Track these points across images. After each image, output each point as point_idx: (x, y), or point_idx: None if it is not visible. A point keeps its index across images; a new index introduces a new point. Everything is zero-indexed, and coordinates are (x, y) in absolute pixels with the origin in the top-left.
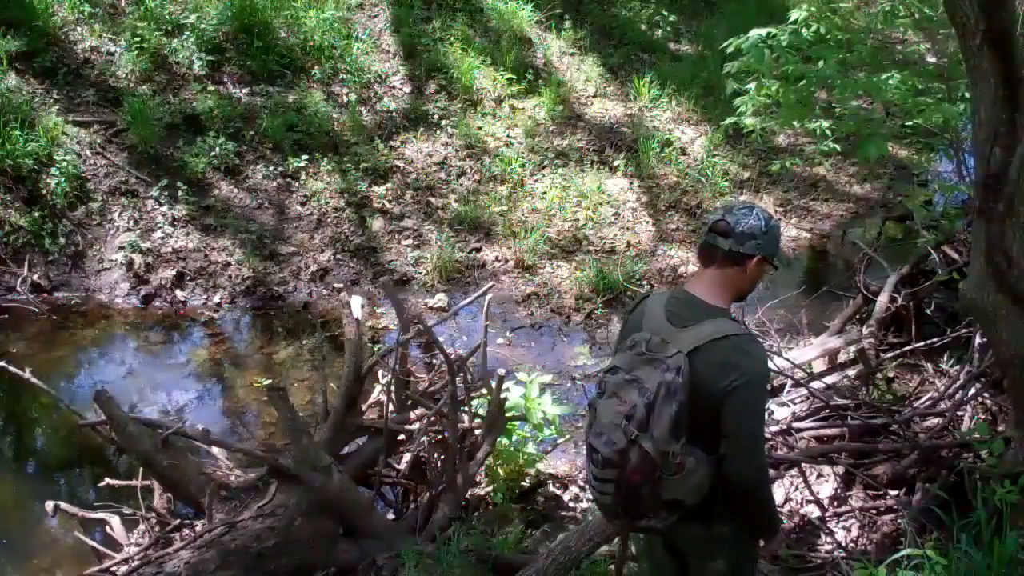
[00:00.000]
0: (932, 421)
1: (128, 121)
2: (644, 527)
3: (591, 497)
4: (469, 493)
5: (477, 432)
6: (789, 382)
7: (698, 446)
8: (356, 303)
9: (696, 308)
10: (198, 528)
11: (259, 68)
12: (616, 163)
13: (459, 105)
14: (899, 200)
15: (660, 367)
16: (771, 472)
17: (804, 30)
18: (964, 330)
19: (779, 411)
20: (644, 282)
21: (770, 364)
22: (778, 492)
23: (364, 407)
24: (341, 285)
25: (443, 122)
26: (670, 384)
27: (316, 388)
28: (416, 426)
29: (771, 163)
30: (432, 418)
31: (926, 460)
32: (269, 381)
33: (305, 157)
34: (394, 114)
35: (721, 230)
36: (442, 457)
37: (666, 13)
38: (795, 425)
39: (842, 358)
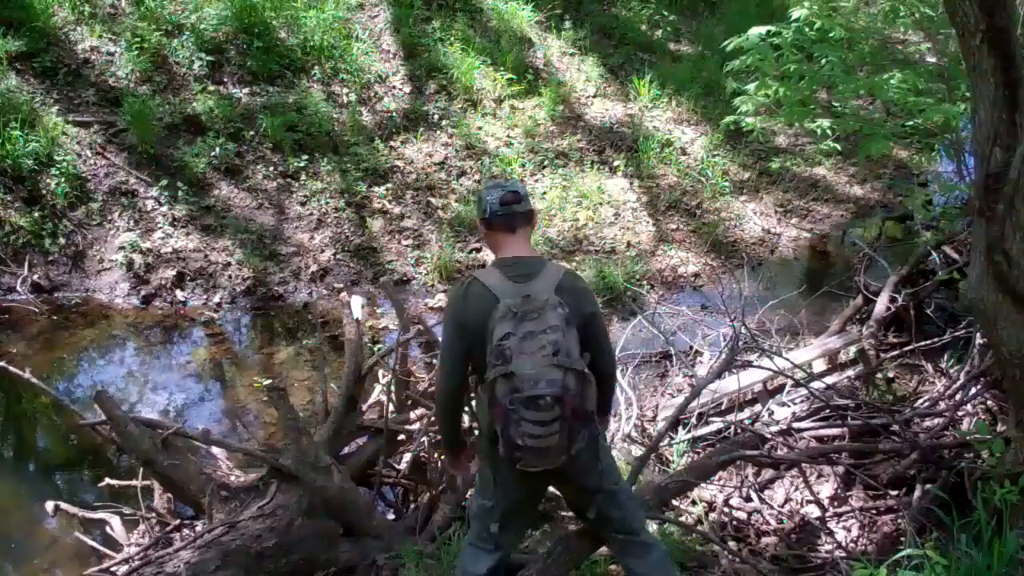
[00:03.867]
0: (932, 421)
1: (128, 121)
2: (576, 452)
3: (521, 456)
4: (469, 493)
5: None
6: (789, 382)
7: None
8: (356, 303)
9: (530, 263)
10: (198, 528)
11: (259, 68)
12: (616, 163)
13: (459, 105)
14: (899, 200)
15: (549, 308)
16: (772, 472)
17: (806, 28)
18: (964, 330)
19: (779, 411)
20: (644, 282)
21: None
22: (778, 492)
23: (364, 407)
24: (341, 285)
25: (443, 122)
26: (564, 316)
27: (316, 388)
28: (416, 426)
29: (771, 162)
30: (432, 418)
31: (926, 460)
32: (269, 381)
33: (305, 157)
34: (394, 114)
35: (513, 199)
36: (442, 457)
37: (666, 13)
38: (795, 425)
39: (842, 358)
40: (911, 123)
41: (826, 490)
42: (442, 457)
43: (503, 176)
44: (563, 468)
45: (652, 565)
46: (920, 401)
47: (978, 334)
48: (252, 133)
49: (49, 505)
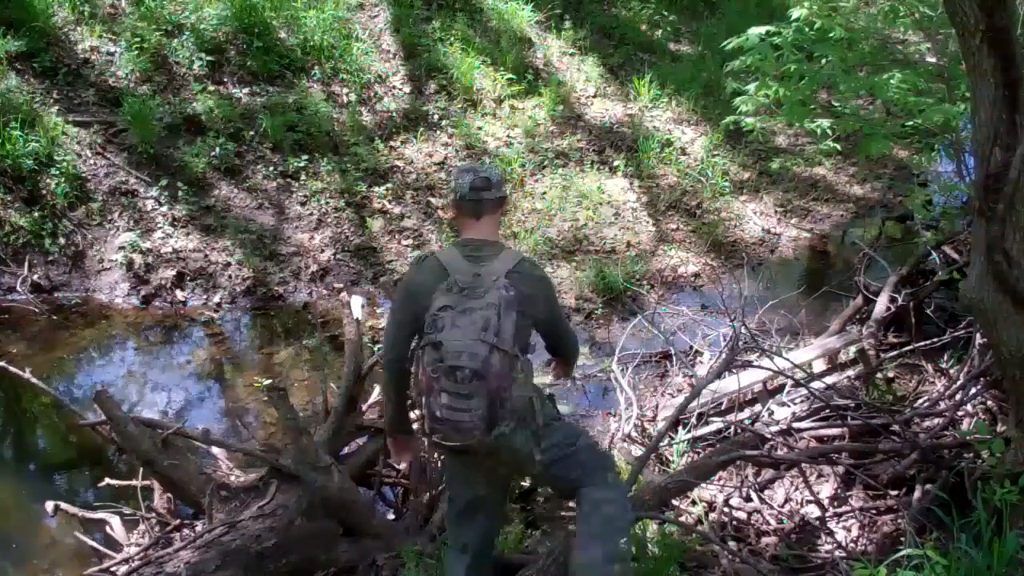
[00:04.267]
0: (932, 421)
1: (128, 121)
2: (497, 435)
3: (438, 428)
4: None
5: None
6: (789, 382)
7: (525, 349)
8: (356, 303)
9: (490, 247)
10: (198, 528)
11: (259, 68)
12: (616, 163)
13: (459, 105)
14: (899, 200)
15: (493, 288)
16: (772, 472)
17: (806, 28)
18: (964, 330)
19: (779, 411)
20: (644, 282)
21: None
22: (778, 492)
23: (364, 407)
24: (341, 285)
25: (443, 122)
26: (507, 299)
27: (316, 388)
28: (416, 426)
29: (771, 162)
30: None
31: (926, 460)
32: (269, 381)
33: (305, 157)
34: (394, 114)
35: (483, 186)
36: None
37: (666, 13)
38: (795, 425)
39: (842, 358)
40: (911, 123)
41: (826, 490)
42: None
43: (479, 160)
44: (489, 451)
45: (593, 499)
46: (920, 401)
47: (978, 334)
48: (252, 133)
49: (49, 505)
